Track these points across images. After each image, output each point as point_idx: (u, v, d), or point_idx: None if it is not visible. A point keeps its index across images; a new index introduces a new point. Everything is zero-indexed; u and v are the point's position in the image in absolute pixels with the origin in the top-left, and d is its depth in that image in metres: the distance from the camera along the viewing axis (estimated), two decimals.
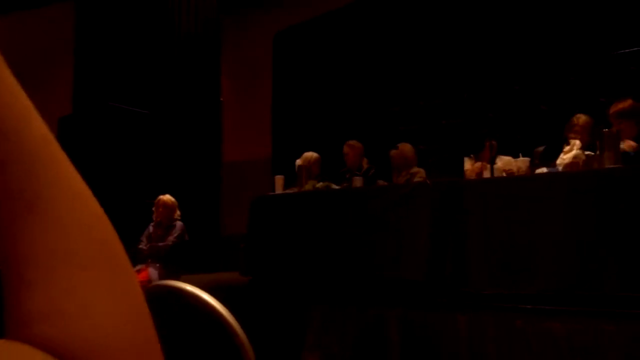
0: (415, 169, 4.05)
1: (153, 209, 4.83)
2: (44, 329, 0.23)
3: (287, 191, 3.69)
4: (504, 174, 2.92)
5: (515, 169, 2.97)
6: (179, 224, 4.82)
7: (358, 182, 3.60)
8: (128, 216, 5.11)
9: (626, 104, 3.17)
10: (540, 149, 3.49)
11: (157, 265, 4.57)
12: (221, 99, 6.54)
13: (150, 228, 4.83)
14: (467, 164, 3.36)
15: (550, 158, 3.29)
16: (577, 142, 2.81)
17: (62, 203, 0.26)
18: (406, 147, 4.19)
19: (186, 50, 6.01)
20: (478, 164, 3.32)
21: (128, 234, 4.87)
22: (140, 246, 4.73)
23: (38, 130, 0.27)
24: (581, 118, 3.46)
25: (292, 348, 2.93)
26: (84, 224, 0.27)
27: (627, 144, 2.77)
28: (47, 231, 0.24)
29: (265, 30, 6.75)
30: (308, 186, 3.68)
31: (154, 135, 5.57)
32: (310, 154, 4.61)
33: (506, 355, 2.33)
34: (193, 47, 6.08)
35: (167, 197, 4.84)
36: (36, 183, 0.25)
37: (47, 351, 0.22)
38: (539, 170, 2.91)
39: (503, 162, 3.25)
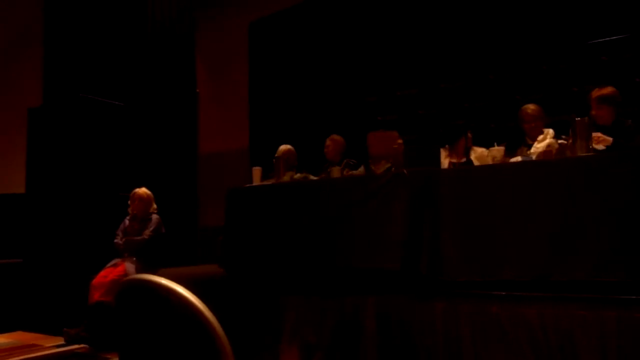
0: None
1: (129, 202, 4.76)
2: None
3: (265, 182, 3.67)
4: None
5: (490, 159, 3.01)
6: (155, 217, 4.76)
7: (336, 172, 3.60)
8: (103, 210, 5.03)
9: (607, 90, 3.27)
10: (503, 144, 3.55)
11: (134, 259, 4.51)
12: (197, 90, 6.45)
13: (126, 222, 4.76)
14: (442, 155, 3.38)
15: (514, 150, 3.37)
16: (551, 130, 2.86)
17: None
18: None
19: (160, 41, 5.90)
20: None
21: (103, 228, 4.82)
22: (116, 240, 4.66)
23: None
24: (529, 107, 3.57)
25: (270, 339, 2.93)
26: None
27: (602, 141, 2.81)
28: None
29: (240, 20, 6.67)
30: (286, 177, 3.66)
31: (128, 127, 5.47)
32: (286, 146, 4.60)
33: (481, 341, 2.37)
34: (167, 37, 5.98)
35: (143, 190, 4.77)
36: None
37: None
38: (513, 159, 2.95)
39: (477, 153, 3.29)
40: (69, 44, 5.30)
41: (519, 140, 3.55)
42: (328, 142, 4.52)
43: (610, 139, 2.83)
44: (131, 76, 5.61)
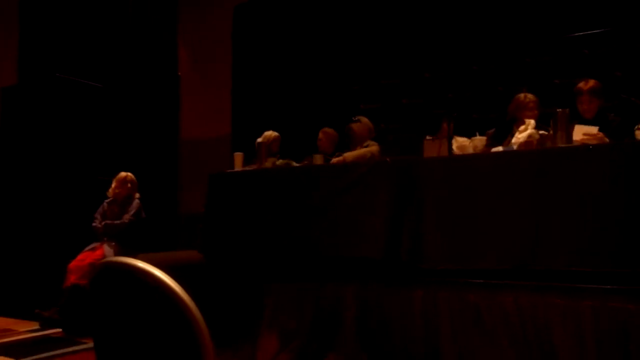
0: (368, 142, 4.07)
1: (113, 184, 4.68)
2: None
3: (247, 168, 3.63)
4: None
5: (471, 148, 3.02)
6: (135, 201, 4.70)
7: (318, 159, 3.58)
8: (80, 193, 4.95)
9: (594, 82, 3.26)
10: (491, 131, 3.56)
11: (113, 243, 4.45)
12: (179, 73, 6.35)
13: (105, 205, 4.69)
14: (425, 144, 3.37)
15: (500, 139, 3.38)
16: (532, 121, 2.87)
17: None
18: (367, 120, 4.23)
19: (141, 22, 5.78)
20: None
21: (80, 212, 4.73)
22: (95, 224, 4.59)
23: None
24: (529, 95, 3.55)
25: (249, 325, 2.92)
26: None
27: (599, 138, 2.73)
28: None
29: (225, 3, 6.56)
30: (268, 163, 3.63)
31: (107, 109, 5.36)
32: (271, 132, 4.55)
33: (459, 328, 2.39)
34: (148, 19, 5.85)
35: (130, 174, 4.73)
36: None
37: None
38: (494, 149, 2.97)
39: (458, 143, 3.29)
40: (46, 21, 5.16)
41: (505, 130, 3.54)
42: (320, 135, 4.43)
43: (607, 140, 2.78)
44: (110, 57, 5.49)
